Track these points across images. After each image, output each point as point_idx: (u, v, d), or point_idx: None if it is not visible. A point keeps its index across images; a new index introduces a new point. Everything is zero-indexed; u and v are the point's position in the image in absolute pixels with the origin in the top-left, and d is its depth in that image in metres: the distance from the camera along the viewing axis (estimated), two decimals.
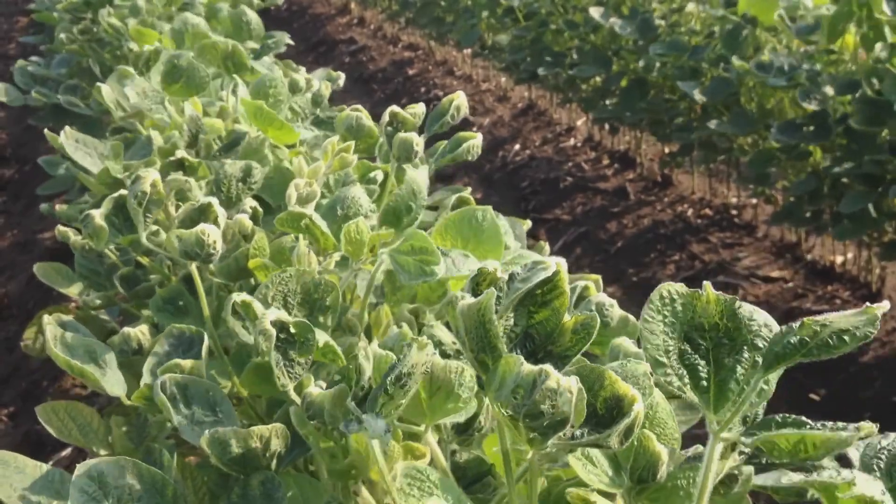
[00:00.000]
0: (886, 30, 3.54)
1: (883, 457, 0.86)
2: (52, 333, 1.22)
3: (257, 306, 1.07)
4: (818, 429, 0.83)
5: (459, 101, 1.56)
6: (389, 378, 0.87)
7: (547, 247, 1.65)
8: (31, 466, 1.03)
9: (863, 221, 3.68)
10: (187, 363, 1.17)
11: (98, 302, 1.67)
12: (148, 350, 1.36)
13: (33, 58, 3.77)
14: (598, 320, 0.88)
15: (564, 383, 0.75)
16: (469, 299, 0.83)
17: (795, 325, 0.83)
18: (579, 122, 6.29)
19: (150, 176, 1.32)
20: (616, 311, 1.22)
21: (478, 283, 0.88)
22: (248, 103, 1.64)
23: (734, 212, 4.88)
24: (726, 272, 4.34)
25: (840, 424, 0.83)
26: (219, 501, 1.10)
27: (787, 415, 0.87)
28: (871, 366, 3.66)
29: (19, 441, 3.22)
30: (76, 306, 1.94)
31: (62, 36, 3.53)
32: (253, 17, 2.80)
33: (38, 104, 3.41)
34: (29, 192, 5.36)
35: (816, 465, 0.85)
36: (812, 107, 3.63)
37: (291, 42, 3.34)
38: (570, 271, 1.45)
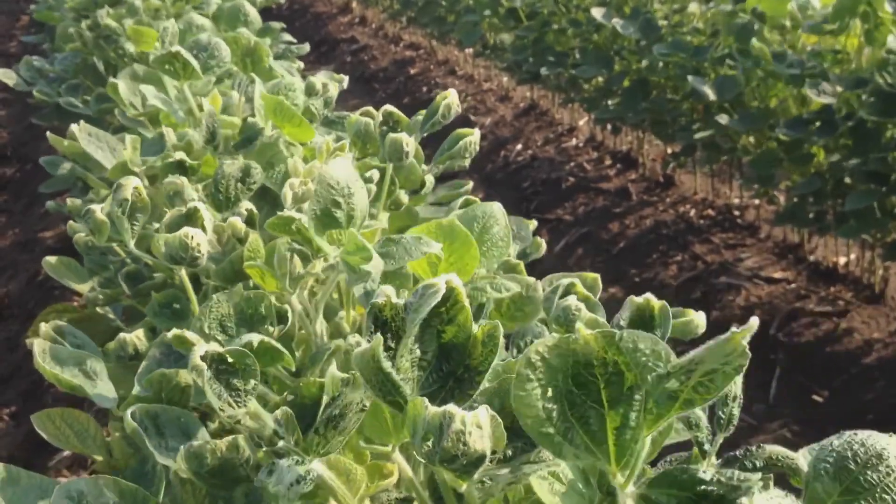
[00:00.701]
0: (893, 29, 3.54)
1: (831, 460, 0.79)
2: (39, 347, 1.22)
3: (192, 337, 1.05)
4: (713, 489, 0.74)
5: (451, 99, 1.55)
6: (321, 418, 0.85)
7: (543, 244, 1.65)
8: (25, 477, 1.01)
9: (868, 219, 3.68)
10: (172, 372, 1.16)
11: (101, 299, 1.67)
12: (144, 355, 1.35)
13: (34, 57, 3.76)
14: (501, 329, 0.86)
15: (471, 420, 0.73)
16: (361, 347, 0.81)
17: (663, 372, 0.73)
18: (581, 122, 6.29)
19: (132, 183, 1.33)
20: (584, 314, 1.20)
21: (378, 313, 0.85)
22: (268, 98, 1.63)
23: (737, 212, 4.88)
24: (728, 273, 4.33)
25: (737, 479, 0.73)
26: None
27: (684, 468, 0.77)
28: (874, 367, 3.66)
29: (21, 441, 3.21)
30: (79, 305, 1.93)
31: (70, 30, 3.52)
32: (251, 10, 2.79)
33: (39, 102, 3.40)
34: (30, 191, 5.36)
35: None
36: (822, 100, 3.64)
37: (293, 41, 3.33)
38: (572, 272, 1.45)
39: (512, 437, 0.77)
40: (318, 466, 0.89)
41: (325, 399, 0.94)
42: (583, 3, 5.43)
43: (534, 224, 1.69)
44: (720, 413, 0.91)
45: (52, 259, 1.64)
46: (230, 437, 0.98)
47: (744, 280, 4.26)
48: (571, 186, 5.48)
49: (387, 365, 0.80)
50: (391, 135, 1.48)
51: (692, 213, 4.97)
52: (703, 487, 0.74)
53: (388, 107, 1.58)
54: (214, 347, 0.97)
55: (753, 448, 0.91)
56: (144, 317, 1.64)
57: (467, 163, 1.58)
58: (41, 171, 3.28)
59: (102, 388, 1.23)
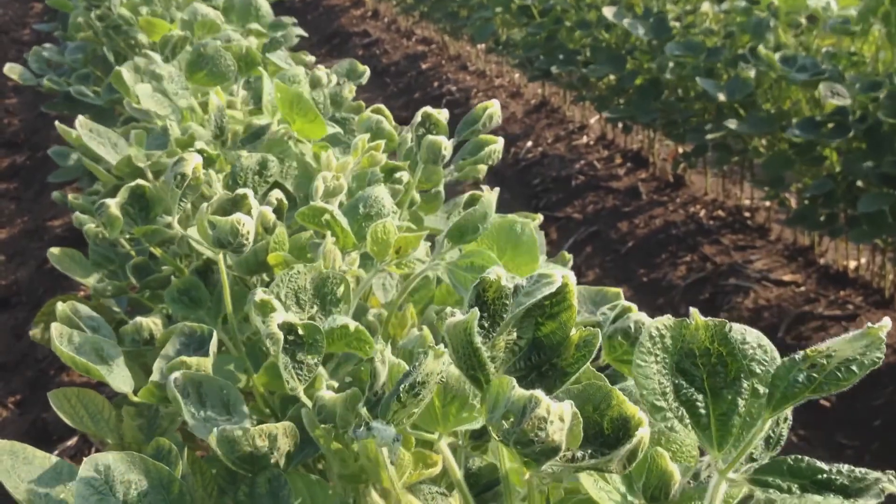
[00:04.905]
0: None
1: None
2: (56, 330, 1.21)
3: (276, 305, 1.06)
4: (836, 479, 0.77)
5: (493, 109, 1.54)
6: (403, 386, 0.85)
7: (571, 258, 1.63)
8: (40, 458, 1.02)
9: (881, 223, 3.66)
10: (193, 360, 1.16)
11: (110, 290, 1.66)
12: (159, 341, 1.35)
13: (47, 45, 3.76)
14: (600, 337, 0.85)
15: (555, 410, 0.73)
16: (456, 317, 0.81)
17: (799, 356, 0.78)
18: (592, 120, 6.26)
19: (193, 159, 1.31)
20: None
21: (483, 291, 0.85)
22: (284, 90, 1.61)
23: (747, 214, 4.85)
24: (738, 275, 4.31)
25: (859, 474, 0.77)
26: (227, 496, 1.09)
27: (800, 457, 0.81)
28: (881, 372, 3.63)
29: (26, 429, 3.21)
30: (85, 295, 1.92)
31: (80, 20, 3.52)
32: (263, 4, 2.80)
33: (50, 91, 3.40)
34: (40, 178, 5.37)
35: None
36: (835, 102, 3.61)
37: (304, 34, 3.32)
38: (580, 270, 1.43)
39: (583, 443, 0.78)
40: None
41: (381, 377, 0.95)
42: (595, 1, 5.41)
43: (539, 218, 1.67)
44: (770, 433, 0.92)
45: (56, 250, 1.64)
46: (266, 426, 0.98)
47: (753, 282, 4.24)
48: (581, 185, 5.46)
49: (477, 340, 0.80)
50: (429, 136, 1.46)
51: (702, 213, 4.94)
52: (822, 476, 0.78)
53: (428, 109, 1.56)
54: (291, 318, 0.99)
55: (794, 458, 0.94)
56: (148, 310, 1.64)
57: (482, 174, 1.57)
58: (52, 159, 3.28)
59: (118, 374, 1.22)
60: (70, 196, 1.86)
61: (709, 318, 0.82)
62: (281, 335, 0.97)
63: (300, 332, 1.00)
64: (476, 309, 0.81)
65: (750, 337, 0.83)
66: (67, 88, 3.22)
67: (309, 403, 0.99)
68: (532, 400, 0.73)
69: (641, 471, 0.89)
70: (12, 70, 3.28)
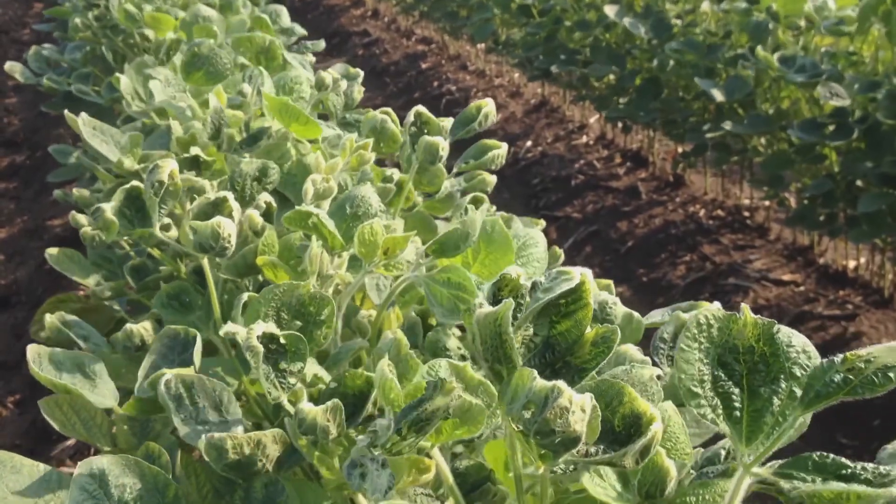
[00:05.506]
0: None
1: None
2: (33, 352, 1.20)
3: (242, 335, 1.04)
4: (860, 474, 0.78)
5: (488, 108, 1.54)
6: (405, 421, 0.84)
7: (562, 254, 1.63)
8: (28, 466, 1.01)
9: (880, 223, 3.66)
10: (173, 372, 1.15)
11: (108, 293, 1.66)
12: (150, 346, 1.34)
13: (46, 45, 3.76)
14: (619, 334, 0.86)
15: (577, 401, 0.73)
16: (486, 308, 0.81)
17: (838, 359, 0.79)
18: (592, 120, 6.26)
19: (168, 165, 1.31)
20: (619, 309, 1.19)
21: (499, 289, 0.85)
22: (272, 100, 1.62)
23: (746, 213, 4.85)
24: (737, 274, 4.31)
25: (883, 471, 0.78)
26: (223, 500, 1.09)
27: (825, 454, 0.82)
28: None
29: (25, 429, 3.21)
30: (85, 294, 1.92)
31: (77, 21, 3.53)
32: (283, 13, 2.83)
33: (50, 90, 3.40)
34: (40, 178, 5.37)
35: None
36: (834, 103, 3.61)
37: (305, 32, 3.32)
38: None
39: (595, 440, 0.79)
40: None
41: (375, 392, 0.93)
42: (594, 0, 5.40)
43: (542, 223, 1.67)
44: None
45: (54, 250, 1.63)
46: (254, 434, 0.97)
47: (752, 282, 4.24)
48: (581, 184, 5.46)
49: (509, 330, 0.80)
50: (426, 137, 1.46)
51: (702, 213, 4.94)
52: (846, 472, 0.80)
53: (420, 108, 1.56)
54: (271, 328, 0.98)
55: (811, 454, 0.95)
56: (149, 308, 1.64)
57: (490, 187, 1.57)
58: (51, 158, 3.29)
59: (102, 389, 1.22)
60: (74, 191, 1.86)
61: (758, 316, 0.83)
62: (260, 348, 0.96)
63: (282, 341, 0.99)
64: (510, 300, 0.81)
65: (796, 341, 0.84)
66: (67, 87, 3.22)
67: (293, 411, 0.98)
68: (554, 390, 0.74)
69: (637, 467, 0.89)
70: (13, 68, 3.28)
